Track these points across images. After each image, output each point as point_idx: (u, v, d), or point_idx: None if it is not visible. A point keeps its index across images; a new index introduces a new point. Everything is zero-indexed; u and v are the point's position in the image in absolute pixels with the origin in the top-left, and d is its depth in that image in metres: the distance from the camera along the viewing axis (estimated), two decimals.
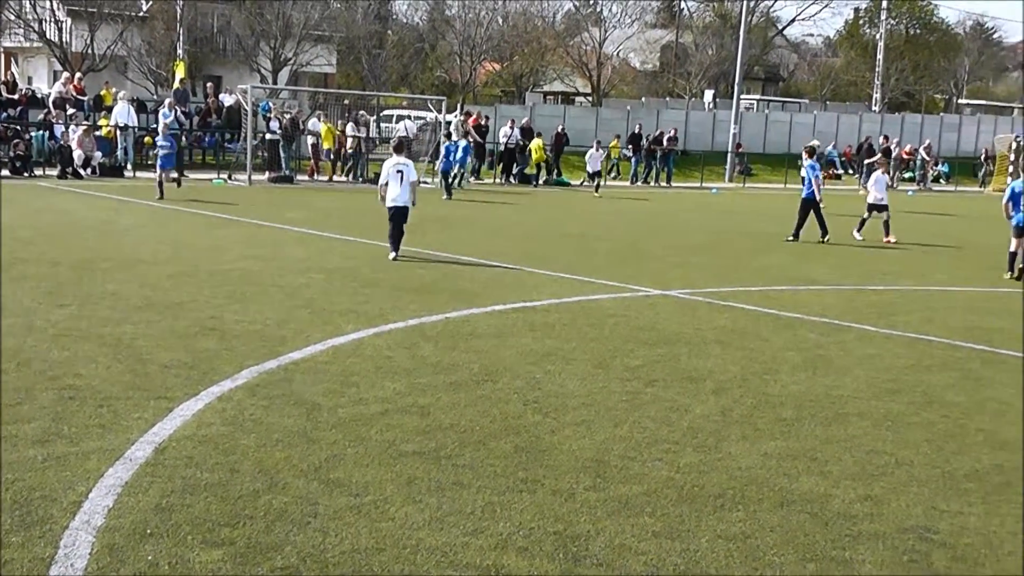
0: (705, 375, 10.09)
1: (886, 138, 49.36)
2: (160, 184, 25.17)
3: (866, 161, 45.34)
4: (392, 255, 16.74)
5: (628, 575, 5.55)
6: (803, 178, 23.80)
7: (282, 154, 34.16)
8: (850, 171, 55.10)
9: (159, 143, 26.54)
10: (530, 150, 39.99)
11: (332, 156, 35.10)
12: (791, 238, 23.16)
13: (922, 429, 8.67)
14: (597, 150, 37.84)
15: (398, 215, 16.94)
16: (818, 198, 23.05)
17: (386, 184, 17.02)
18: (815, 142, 29.57)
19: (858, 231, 24.44)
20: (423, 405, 8.46)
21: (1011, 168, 52.60)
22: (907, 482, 7.29)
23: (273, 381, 8.98)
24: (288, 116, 35.08)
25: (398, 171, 16.95)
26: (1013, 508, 6.89)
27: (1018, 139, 54.98)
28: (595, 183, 37.09)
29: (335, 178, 35.50)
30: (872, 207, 24.47)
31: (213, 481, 6.52)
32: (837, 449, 7.95)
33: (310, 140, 36.09)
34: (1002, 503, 6.99)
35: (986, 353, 11.98)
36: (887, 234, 24.04)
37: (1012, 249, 19.25)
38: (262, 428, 7.63)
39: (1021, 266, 18.94)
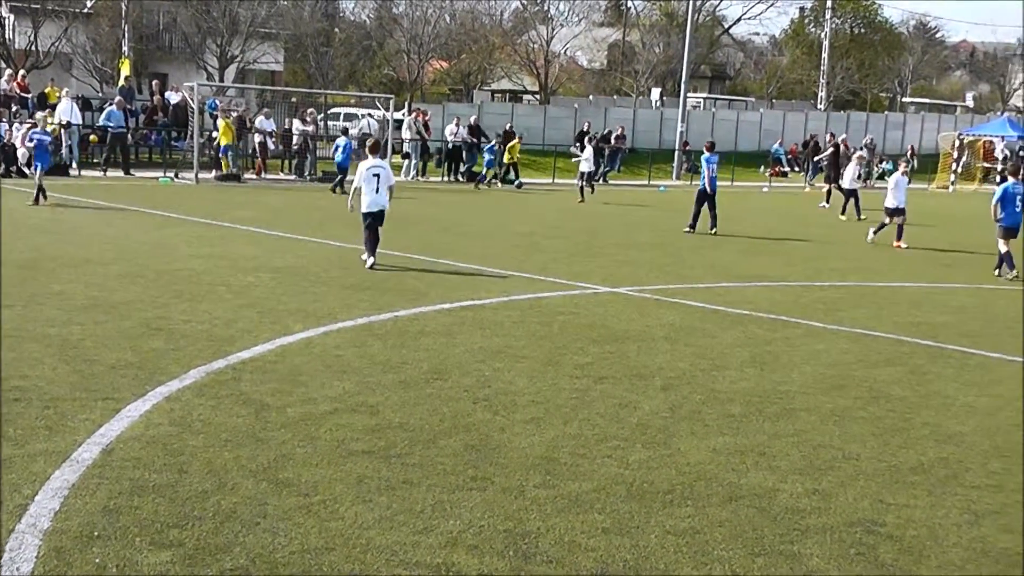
0: (654, 372, 10.14)
1: (836, 137, 49.11)
2: (40, 189, 22.34)
3: (854, 159, 45.66)
4: (369, 260, 15.77)
5: (578, 572, 5.57)
6: (700, 171, 25.09)
7: (229, 152, 33.91)
8: (796, 168, 55.52)
9: (37, 137, 23.36)
10: (507, 149, 38.93)
11: (228, 152, 33.84)
12: (688, 229, 24.24)
13: (868, 423, 8.76)
14: (586, 147, 34.52)
15: (373, 219, 16.06)
16: (709, 190, 24.41)
17: (359, 189, 16.19)
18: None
19: (875, 232, 24.15)
20: (372, 404, 8.44)
21: (954, 165, 53.32)
22: (854, 476, 7.37)
23: (221, 381, 8.92)
24: (235, 114, 34.84)
25: (374, 174, 16.07)
26: (958, 500, 6.99)
27: (961, 136, 55.69)
28: (590, 185, 33.33)
29: (281, 175, 35.35)
30: (893, 212, 23.86)
31: (161, 482, 6.47)
32: (785, 444, 8.02)
33: (257, 138, 35.87)
34: (947, 495, 7.08)
35: (931, 348, 12.12)
36: (899, 238, 23.56)
37: (1004, 250, 18.99)
38: (210, 428, 7.58)
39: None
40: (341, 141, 31.63)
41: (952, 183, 52.41)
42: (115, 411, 7.87)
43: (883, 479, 7.35)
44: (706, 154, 25.09)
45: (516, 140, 38.47)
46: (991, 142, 56.85)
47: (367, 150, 16.90)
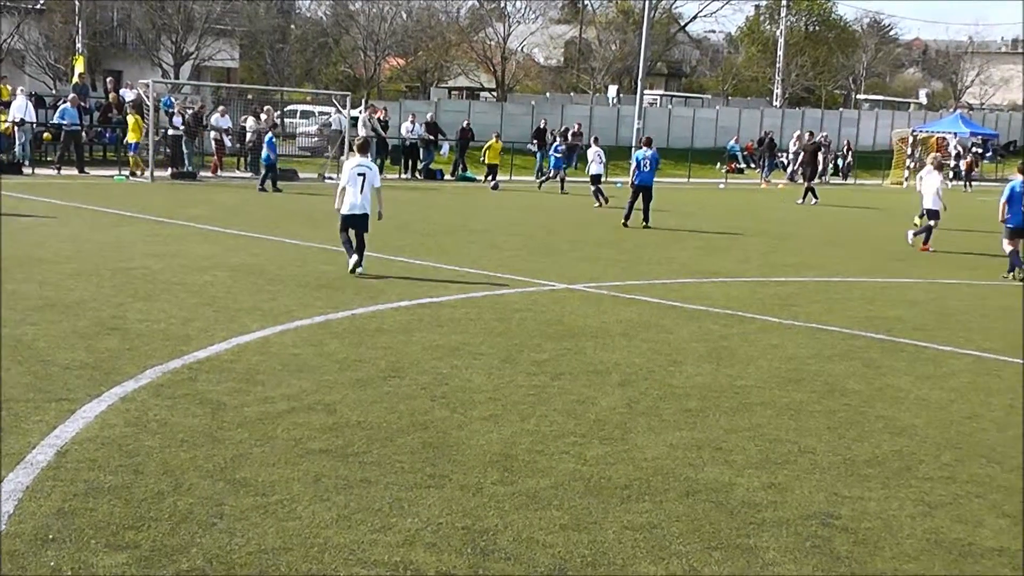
0: (611, 367, 10.18)
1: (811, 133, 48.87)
2: None
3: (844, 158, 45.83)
4: (353, 260, 14.89)
5: (536, 568, 5.59)
6: (636, 166, 25.38)
7: (184, 150, 33.70)
8: (752, 165, 55.83)
9: None
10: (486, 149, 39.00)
11: (137, 149, 33.03)
12: (644, 225, 24.46)
13: (824, 417, 8.84)
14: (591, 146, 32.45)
15: (355, 224, 15.06)
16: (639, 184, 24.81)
17: (343, 189, 15.16)
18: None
19: (915, 234, 23.40)
20: (330, 402, 8.43)
21: (908, 162, 53.79)
22: (809, 469, 7.43)
23: (177, 381, 8.87)
24: (191, 111, 34.62)
25: (359, 174, 15.09)
26: (911, 492, 7.06)
27: (914, 133, 56.20)
28: (597, 190, 30.65)
29: (236, 173, 35.22)
30: (931, 212, 23.30)
31: (117, 484, 6.43)
32: (741, 438, 8.07)
33: (213, 136, 35.65)
34: (901, 487, 7.15)
35: (885, 342, 12.23)
36: (926, 240, 22.94)
37: (1010, 249, 18.78)
38: (166, 429, 7.54)
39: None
40: (272, 138, 31.03)
41: (906, 179, 52.83)
42: (70, 412, 7.81)
43: (838, 472, 7.41)
44: (650, 150, 25.48)
45: (493, 140, 38.42)
46: (944, 139, 57.40)
47: (355, 149, 15.94)
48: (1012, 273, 18.70)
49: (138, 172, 31.74)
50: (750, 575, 5.67)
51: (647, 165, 24.97)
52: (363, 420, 7.99)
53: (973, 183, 52.45)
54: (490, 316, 12.52)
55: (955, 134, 56.98)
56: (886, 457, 7.83)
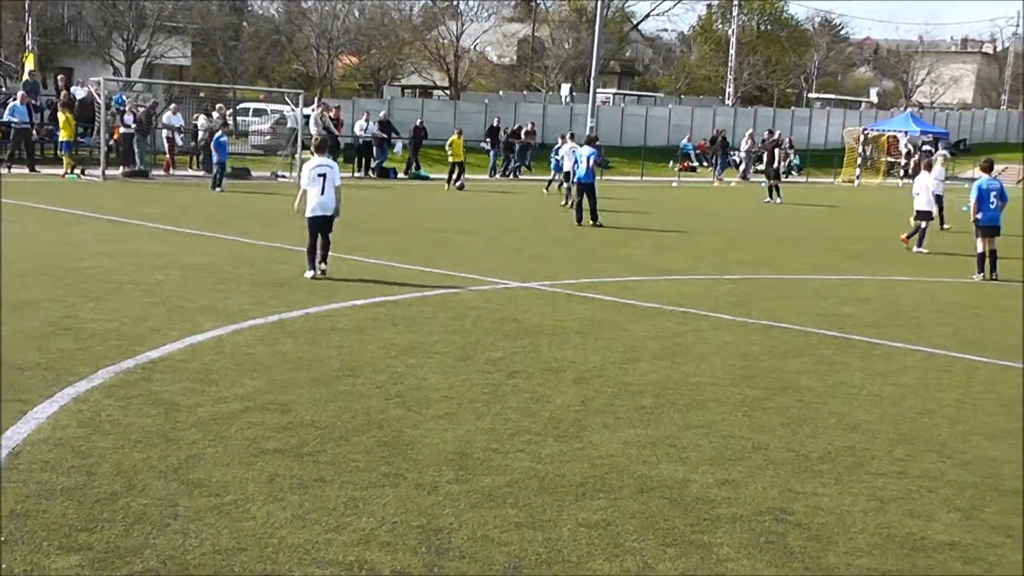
0: (566, 365, 10.20)
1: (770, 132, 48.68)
2: None
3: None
4: (309, 272, 14.56)
5: (491, 566, 5.59)
6: (576, 162, 25.30)
7: (136, 148, 33.41)
8: (704, 163, 56.11)
9: None
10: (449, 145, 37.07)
11: (69, 148, 32.41)
12: (593, 223, 24.42)
13: (777, 413, 8.90)
14: (566, 143, 31.82)
15: (321, 225, 14.67)
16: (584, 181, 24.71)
17: (305, 191, 14.76)
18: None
19: (908, 236, 23.08)
20: (284, 402, 8.39)
21: (859, 160, 54.24)
22: (763, 465, 7.48)
23: (130, 381, 8.81)
24: (142, 109, 34.34)
25: (319, 175, 14.64)
26: (864, 487, 7.12)
27: (866, 131, 56.68)
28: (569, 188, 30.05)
29: (189, 171, 34.99)
30: (922, 213, 23.01)
31: (69, 485, 6.37)
32: (695, 435, 8.11)
33: (165, 134, 35.39)
34: (853, 483, 7.21)
35: (838, 339, 12.33)
36: (920, 243, 22.68)
37: (979, 250, 18.55)
38: (120, 429, 7.48)
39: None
40: (222, 137, 30.51)
41: (857, 177, 53.30)
42: (21, 413, 7.73)
43: (792, 468, 7.47)
44: (591, 148, 25.44)
45: (455, 136, 36.54)
46: (895, 137, 58.03)
47: (313, 148, 15.49)
48: (981, 275, 18.43)
49: (74, 171, 31.21)
50: (704, 571, 5.70)
51: (584, 163, 24.83)
52: (318, 419, 7.97)
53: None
54: (445, 315, 12.51)
55: (906, 133, 57.58)
56: (839, 453, 7.90)
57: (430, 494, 6.54)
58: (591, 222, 24.42)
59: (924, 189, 23.05)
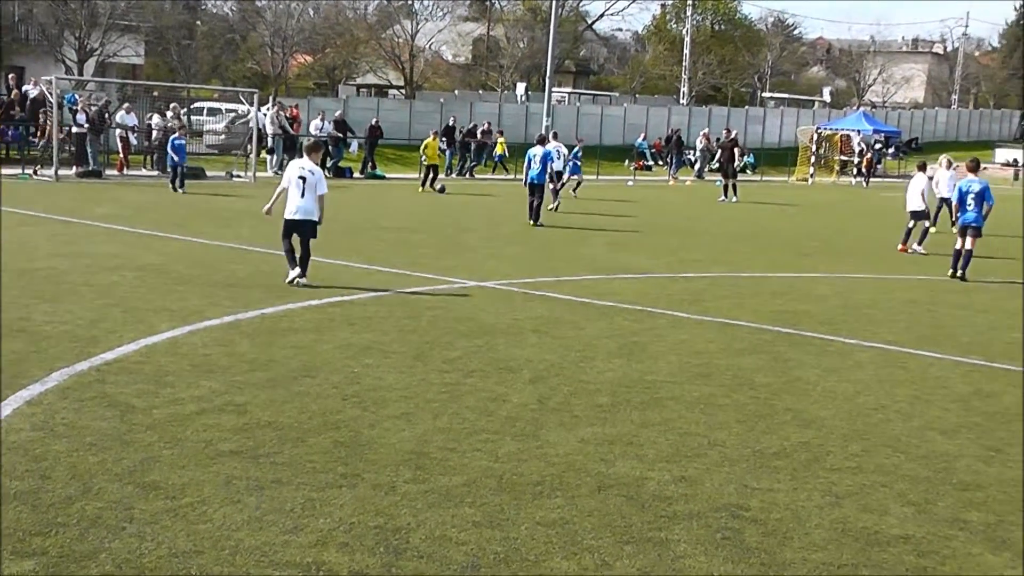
0: (522, 364, 10.21)
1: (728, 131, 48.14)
2: None
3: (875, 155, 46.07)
4: (292, 275, 13.99)
5: (449, 566, 5.59)
6: (530, 161, 24.98)
7: (90, 148, 33.10)
8: (660, 162, 56.30)
9: None
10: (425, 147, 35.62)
11: None
12: (533, 223, 24.06)
13: (733, 410, 8.95)
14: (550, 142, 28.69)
15: (300, 230, 14.17)
16: (536, 182, 24.29)
17: (283, 192, 14.32)
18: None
19: (919, 243, 22.49)
20: (240, 403, 8.35)
21: (813, 159, 54.62)
22: (719, 462, 7.52)
23: (85, 383, 8.73)
24: (95, 108, 34.04)
25: (300, 177, 14.13)
26: (819, 483, 7.18)
27: (819, 130, 57.11)
28: (561, 187, 29.19)
29: (143, 171, 34.73)
30: (917, 214, 22.75)
31: (23, 489, 6.31)
32: (652, 433, 8.15)
33: (119, 133, 35.07)
34: (809, 478, 7.27)
35: (793, 336, 12.42)
36: (920, 241, 22.42)
37: (957, 247, 18.54)
38: (74, 432, 7.41)
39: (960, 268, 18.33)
40: (176, 140, 29.83)
41: (811, 175, 53.65)
42: None
43: (748, 464, 7.52)
44: (544, 148, 25.21)
45: (431, 138, 35.43)
46: (848, 136, 58.50)
47: (304, 150, 14.99)
48: (953, 271, 18.39)
49: (27, 171, 30.74)
50: (661, 568, 5.72)
51: (536, 164, 24.64)
52: (274, 420, 7.94)
53: (873, 180, 53.40)
54: (401, 314, 12.49)
55: (859, 131, 58.08)
56: (794, 449, 7.96)
57: (387, 494, 6.53)
58: (531, 222, 24.09)
59: (915, 190, 22.71)
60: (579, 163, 34.32)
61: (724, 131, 44.23)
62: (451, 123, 44.83)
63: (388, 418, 8.17)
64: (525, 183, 25.08)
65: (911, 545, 6.23)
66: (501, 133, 47.97)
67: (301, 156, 14.68)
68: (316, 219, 14.35)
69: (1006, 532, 6.53)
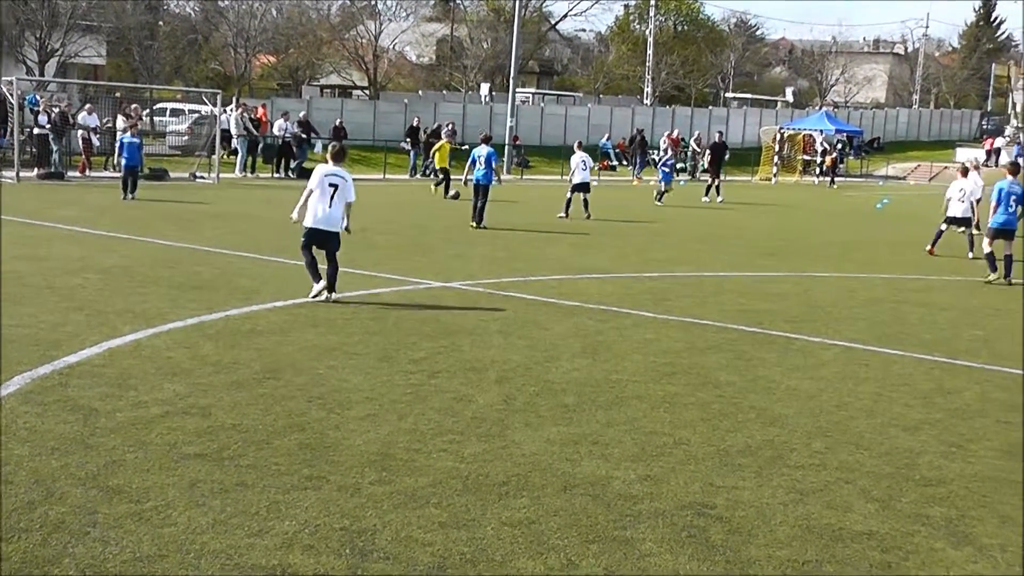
0: (488, 365, 10.22)
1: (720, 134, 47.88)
2: None
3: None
4: (317, 289, 13.11)
5: (415, 567, 5.59)
6: (474, 161, 24.06)
7: (52, 147, 32.85)
8: (624, 163, 56.46)
9: None
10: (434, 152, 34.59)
11: None
12: (476, 226, 23.33)
13: (698, 409, 8.99)
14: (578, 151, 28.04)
15: (323, 241, 13.19)
16: (483, 183, 23.62)
17: (307, 198, 13.29)
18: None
19: (971, 253, 21.95)
20: (204, 406, 8.32)
21: (776, 158, 54.91)
22: (684, 460, 7.55)
23: (47, 387, 8.67)
24: (57, 110, 33.79)
25: (331, 184, 13.10)
26: (783, 480, 7.23)
27: (782, 130, 57.41)
28: (583, 201, 27.35)
29: (105, 172, 34.50)
30: (958, 220, 22.25)
31: None
32: (617, 432, 8.17)
33: (81, 134, 34.82)
34: (773, 476, 7.31)
35: (757, 334, 12.48)
36: (971, 247, 21.97)
37: (987, 250, 18.41)
38: (36, 436, 7.36)
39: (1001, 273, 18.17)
40: (124, 138, 27.72)
41: (774, 175, 53.94)
42: None
43: (712, 463, 7.55)
44: (488, 148, 24.15)
45: (444, 142, 34.07)
46: (811, 135, 58.83)
47: (329, 156, 13.64)
48: (995, 275, 18.22)
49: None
50: (627, 567, 5.74)
51: (481, 164, 23.84)
52: (239, 423, 7.91)
53: (837, 179, 53.74)
54: (366, 315, 12.47)
55: (821, 131, 58.43)
56: (759, 447, 8.00)
57: (353, 496, 6.52)
58: (473, 224, 23.37)
59: (958, 194, 22.21)
60: (671, 171, 33.85)
61: (717, 133, 44.16)
62: (415, 124, 44.78)
63: (353, 419, 8.16)
64: (465, 182, 24.35)
65: (875, 541, 6.28)
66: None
67: (331, 162, 13.39)
68: (341, 229, 13.39)
69: (968, 527, 6.59)
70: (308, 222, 13.22)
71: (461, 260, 18.01)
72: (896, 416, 9.14)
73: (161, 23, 69.57)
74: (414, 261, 17.50)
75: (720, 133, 43.52)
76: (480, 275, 16.17)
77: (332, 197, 13.13)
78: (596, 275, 16.93)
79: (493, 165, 24.01)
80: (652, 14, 77.81)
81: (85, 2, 51.51)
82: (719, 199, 36.31)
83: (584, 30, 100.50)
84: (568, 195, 27.46)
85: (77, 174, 33.56)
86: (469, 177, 24.16)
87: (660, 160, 37.77)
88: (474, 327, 12.08)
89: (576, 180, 27.30)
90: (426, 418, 8.30)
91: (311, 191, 13.17)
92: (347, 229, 13.55)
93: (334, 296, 13.08)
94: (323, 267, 13.24)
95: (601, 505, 6.59)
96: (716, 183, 37.48)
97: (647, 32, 77.48)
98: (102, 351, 9.99)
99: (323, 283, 13.07)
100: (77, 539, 5.70)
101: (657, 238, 23.53)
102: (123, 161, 27.24)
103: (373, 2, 77.66)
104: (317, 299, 13.02)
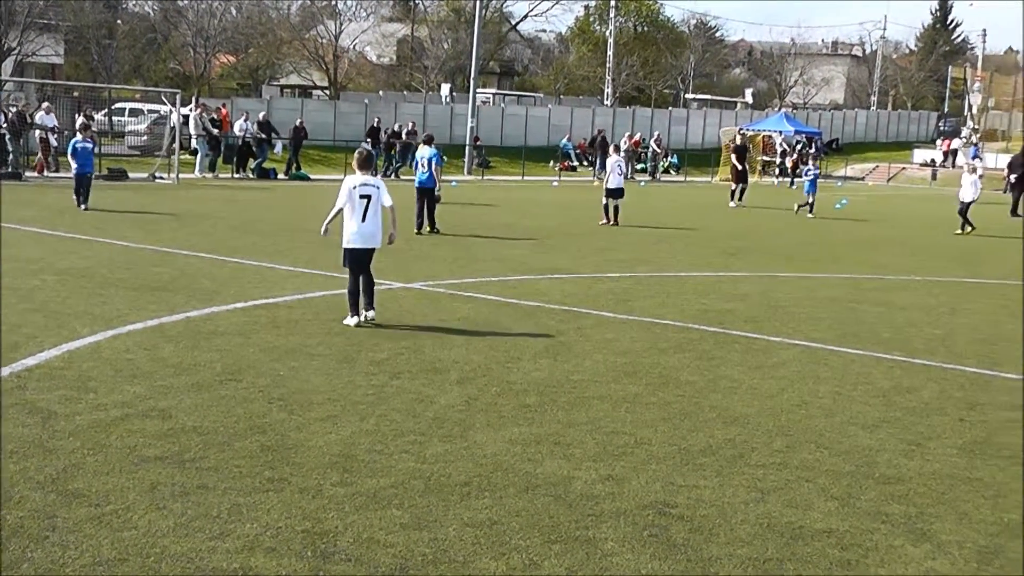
0: (449, 365, 10.21)
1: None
2: None
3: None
4: (352, 319, 11.95)
5: (377, 568, 5.58)
6: (417, 164, 23.06)
7: (9, 149, 32.54)
8: (584, 163, 56.60)
9: None
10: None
11: None
12: (430, 230, 22.65)
13: (659, 408, 9.02)
14: (617, 153, 28.03)
15: (359, 257, 12.11)
16: (437, 188, 22.83)
17: (340, 212, 12.11)
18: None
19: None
20: (165, 408, 8.27)
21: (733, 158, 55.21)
22: (646, 460, 7.58)
23: (5, 390, 8.58)
24: (14, 109, 33.46)
25: (362, 196, 11.92)
26: (744, 479, 7.27)
27: (742, 131, 57.65)
28: (613, 208, 26.85)
29: (63, 173, 34.21)
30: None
31: None
32: (579, 432, 8.19)
33: (39, 134, 34.49)
34: (734, 475, 7.35)
35: (718, 334, 12.54)
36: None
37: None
38: None
39: None
40: (77, 142, 24.72)
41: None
42: None
43: (674, 462, 7.58)
44: (432, 149, 23.02)
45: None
46: (770, 136, 59.18)
47: (355, 164, 12.45)
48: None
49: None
50: (590, 566, 5.76)
51: (425, 166, 22.61)
52: (199, 425, 7.87)
53: (796, 180, 54.06)
54: (327, 316, 12.43)
55: (780, 132, 58.78)
56: (720, 446, 8.04)
57: (315, 498, 6.50)
58: (429, 228, 22.64)
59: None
60: (814, 180, 33.29)
61: (738, 135, 44.08)
62: (376, 124, 44.71)
63: (314, 421, 8.14)
64: (428, 185, 22.75)
65: (835, 539, 6.32)
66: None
67: (358, 171, 12.24)
68: (381, 244, 12.36)
69: (926, 524, 6.65)
70: (346, 243, 12.13)
71: (422, 261, 17.99)
72: (855, 415, 9.21)
73: (120, 22, 69.15)
74: (376, 262, 17.36)
75: (743, 135, 43.35)
76: (441, 276, 16.16)
77: (365, 211, 11.98)
78: (556, 275, 16.95)
79: (434, 167, 22.65)
80: (612, 15, 78.03)
81: (42, 0, 51.09)
82: (737, 204, 36.26)
83: (544, 31, 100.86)
84: (603, 200, 26.87)
85: (35, 174, 33.27)
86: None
87: (803, 170, 36.99)
88: (435, 328, 12.06)
89: (611, 185, 26.62)
90: (388, 419, 8.29)
91: (340, 208, 12.05)
92: (391, 238, 12.47)
93: (372, 314, 12.10)
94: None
95: (563, 505, 6.60)
96: (742, 187, 36.89)
97: (607, 33, 77.70)
98: (61, 353, 9.91)
99: (357, 319, 11.93)
100: (36, 544, 5.65)
101: (617, 238, 23.56)
102: (74, 167, 24.32)
103: (333, 2, 77.53)
104: (356, 326, 11.90)
